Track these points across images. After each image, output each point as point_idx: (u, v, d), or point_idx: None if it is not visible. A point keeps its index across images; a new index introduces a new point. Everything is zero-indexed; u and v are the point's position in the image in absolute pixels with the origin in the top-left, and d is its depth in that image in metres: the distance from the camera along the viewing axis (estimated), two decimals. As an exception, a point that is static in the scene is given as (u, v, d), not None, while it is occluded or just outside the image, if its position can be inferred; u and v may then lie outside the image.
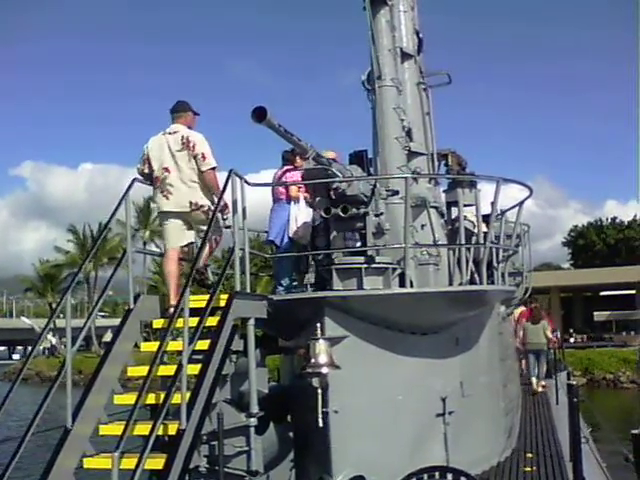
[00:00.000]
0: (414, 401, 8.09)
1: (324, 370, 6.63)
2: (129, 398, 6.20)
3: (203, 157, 7.34)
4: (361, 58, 11.18)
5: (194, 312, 6.24)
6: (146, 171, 7.64)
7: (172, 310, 6.52)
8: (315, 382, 6.69)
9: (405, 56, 11.13)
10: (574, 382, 9.00)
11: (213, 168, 7.41)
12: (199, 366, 6.08)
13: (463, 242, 9.12)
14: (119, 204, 7.15)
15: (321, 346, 6.71)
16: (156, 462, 5.46)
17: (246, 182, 7.34)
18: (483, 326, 9.60)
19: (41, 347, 62.87)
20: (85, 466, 5.93)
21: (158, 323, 7.07)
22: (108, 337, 40.79)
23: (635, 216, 74.12)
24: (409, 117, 10.82)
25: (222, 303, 6.64)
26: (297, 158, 9.01)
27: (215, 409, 6.39)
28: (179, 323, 6.12)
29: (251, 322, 6.89)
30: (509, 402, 11.09)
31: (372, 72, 10.83)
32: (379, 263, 7.86)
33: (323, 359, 6.65)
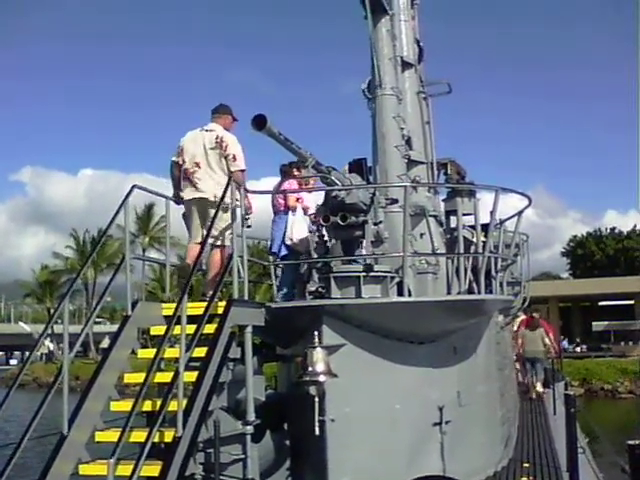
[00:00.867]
0: (411, 410, 8.07)
1: (321, 378, 6.63)
2: (126, 405, 6.18)
3: (234, 158, 7.56)
4: (362, 66, 11.24)
5: (192, 319, 6.24)
6: (180, 163, 7.84)
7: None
8: (312, 390, 6.68)
9: (405, 65, 11.19)
10: (571, 392, 9.00)
11: (242, 170, 7.62)
12: (196, 373, 6.07)
13: (462, 251, 9.13)
14: (118, 210, 7.16)
15: (318, 354, 6.70)
16: (152, 469, 5.45)
17: (245, 190, 7.37)
18: (481, 335, 9.59)
19: (39, 353, 62.79)
20: (81, 472, 5.91)
21: (156, 330, 7.06)
22: (106, 343, 40.69)
23: (635, 226, 74.29)
24: (409, 126, 10.86)
25: (220, 310, 6.63)
26: (294, 170, 9.08)
27: (212, 417, 6.37)
28: (177, 330, 6.12)
29: (248, 330, 6.89)
30: (506, 412, 11.07)
31: (372, 81, 10.88)
32: (377, 272, 7.86)
33: (320, 367, 6.65)
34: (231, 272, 6.96)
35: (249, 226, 7.58)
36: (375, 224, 8.15)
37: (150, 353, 6.46)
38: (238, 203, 7.25)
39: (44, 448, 6.72)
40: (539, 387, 17.01)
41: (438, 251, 9.81)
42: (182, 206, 7.98)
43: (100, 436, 6.15)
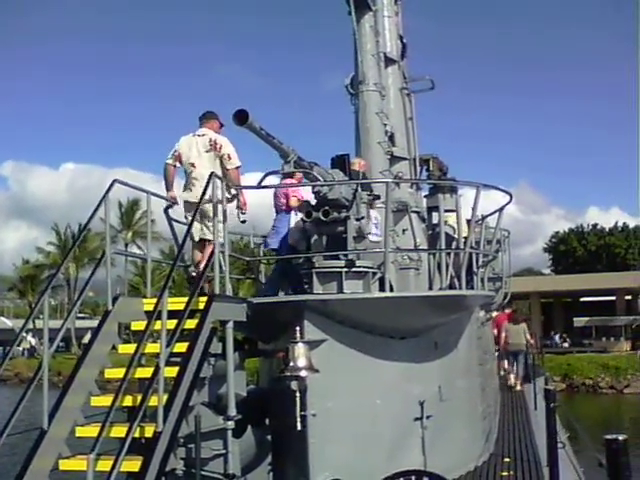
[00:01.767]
0: (392, 405, 8.11)
1: (303, 373, 6.65)
2: (106, 400, 6.15)
3: (229, 157, 7.93)
4: (345, 62, 11.25)
5: (173, 314, 6.23)
6: (177, 166, 8.24)
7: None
8: (294, 385, 6.69)
9: (389, 61, 11.21)
10: (551, 387, 9.06)
11: (237, 167, 7.98)
12: (177, 368, 6.06)
13: (443, 247, 9.17)
14: (99, 204, 7.12)
15: (300, 349, 6.72)
16: (132, 464, 5.43)
17: (227, 185, 7.37)
18: (462, 331, 9.65)
19: (21, 348, 62.33)
20: (61, 468, 5.88)
21: (137, 325, 7.03)
22: (87, 339, 40.49)
23: (616, 223, 74.99)
24: (392, 122, 10.88)
25: (201, 305, 6.62)
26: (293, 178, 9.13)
27: (193, 412, 6.37)
28: (158, 325, 6.10)
29: (229, 325, 6.89)
30: (487, 406, 11.15)
31: (356, 76, 10.89)
32: (359, 267, 7.89)
33: (302, 362, 6.66)
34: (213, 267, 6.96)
35: (243, 221, 8.06)
36: (357, 220, 8.17)
37: (130, 348, 6.44)
38: (228, 198, 7.48)
39: (23, 443, 6.69)
40: (518, 387, 17.33)
41: (420, 247, 9.85)
42: (164, 202, 8.20)
43: (80, 431, 6.12)
